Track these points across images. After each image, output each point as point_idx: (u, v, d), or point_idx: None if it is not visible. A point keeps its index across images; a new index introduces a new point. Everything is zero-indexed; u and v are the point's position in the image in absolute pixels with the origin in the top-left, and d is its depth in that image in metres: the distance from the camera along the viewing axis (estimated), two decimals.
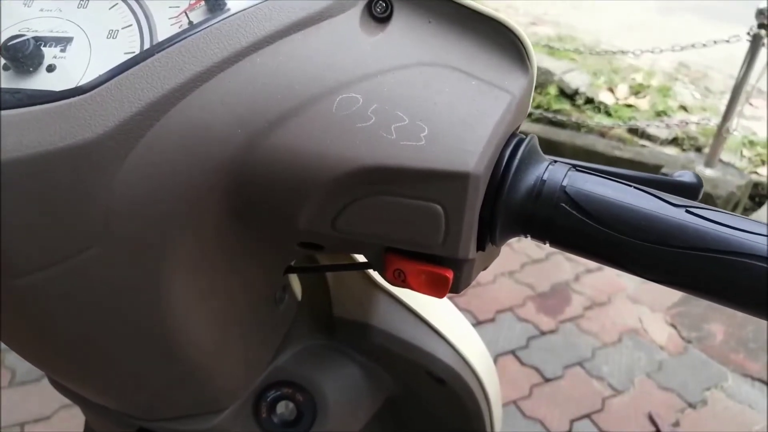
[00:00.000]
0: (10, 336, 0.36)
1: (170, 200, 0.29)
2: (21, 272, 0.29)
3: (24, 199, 0.27)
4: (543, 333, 1.95)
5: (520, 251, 2.32)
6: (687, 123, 2.97)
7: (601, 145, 2.97)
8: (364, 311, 0.47)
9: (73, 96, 0.27)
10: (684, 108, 3.28)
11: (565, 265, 2.27)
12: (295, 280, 0.48)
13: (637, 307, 2.08)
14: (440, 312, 0.49)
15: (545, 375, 1.79)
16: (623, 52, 3.04)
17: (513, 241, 2.34)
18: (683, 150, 2.98)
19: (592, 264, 2.28)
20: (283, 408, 0.47)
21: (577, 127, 3.10)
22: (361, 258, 0.47)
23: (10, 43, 0.28)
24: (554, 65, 3.54)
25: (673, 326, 2.01)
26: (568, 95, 3.38)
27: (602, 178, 0.30)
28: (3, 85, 0.28)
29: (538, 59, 3.24)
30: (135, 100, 0.27)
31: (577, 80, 3.45)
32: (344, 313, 0.48)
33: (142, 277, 0.31)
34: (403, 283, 0.32)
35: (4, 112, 0.27)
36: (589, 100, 3.33)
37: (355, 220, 0.30)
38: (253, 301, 0.41)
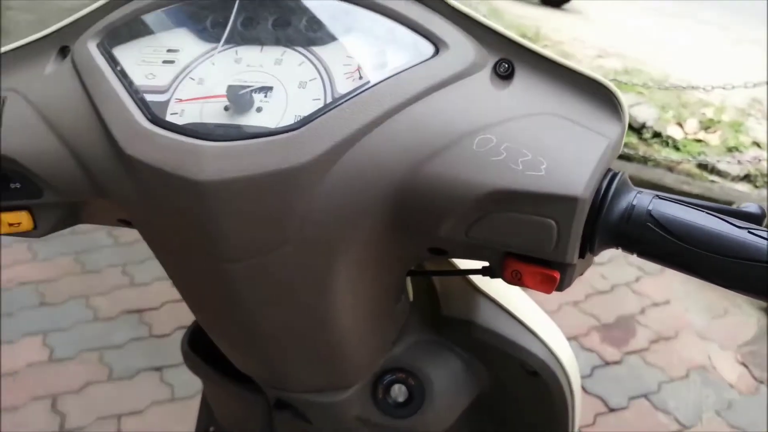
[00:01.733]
0: (207, 305, 0.46)
1: (350, 212, 0.39)
2: (233, 259, 0.40)
3: (242, 206, 0.38)
4: (607, 363, 1.97)
5: (585, 282, 2.34)
6: (760, 160, 2.93)
7: (669, 179, 2.97)
8: (467, 311, 0.56)
9: (283, 132, 0.38)
10: (757, 144, 3.24)
11: (630, 297, 2.28)
12: (408, 284, 0.58)
13: (706, 344, 2.07)
14: (531, 313, 0.58)
15: (610, 405, 1.81)
16: (693, 88, 3.04)
17: None
18: (756, 187, 2.93)
19: (658, 298, 2.29)
20: (397, 391, 0.56)
21: (644, 160, 3.10)
22: (464, 264, 0.56)
23: (240, 92, 0.39)
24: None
25: (744, 365, 1.99)
26: (635, 129, 3.39)
27: (680, 204, 0.38)
28: (225, 122, 0.39)
29: None
30: (330, 138, 0.37)
31: (644, 114, 3.46)
32: (450, 312, 0.57)
33: (317, 269, 0.41)
34: (519, 282, 0.41)
35: (228, 143, 0.38)
36: (657, 134, 3.33)
37: (485, 230, 0.39)
38: (381, 297, 0.50)
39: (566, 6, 6.26)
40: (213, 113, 0.39)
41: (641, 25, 5.56)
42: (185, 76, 0.40)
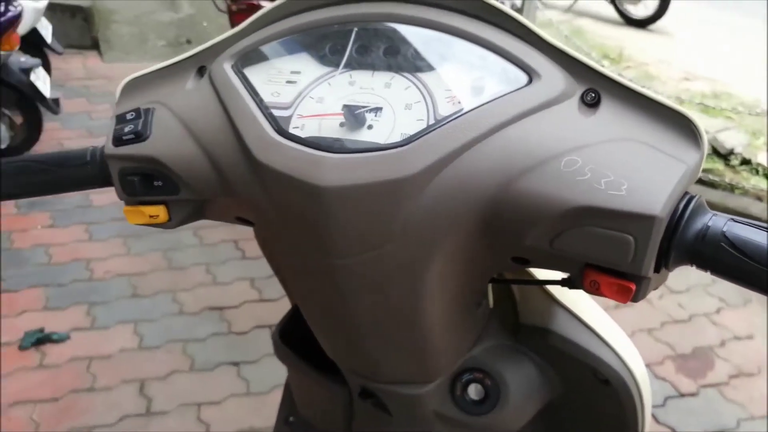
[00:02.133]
0: (313, 296, 0.52)
1: (446, 220, 0.44)
2: (342, 256, 0.46)
3: (354, 209, 0.43)
4: (682, 395, 1.91)
5: (661, 309, 2.29)
6: None
7: (756, 208, 2.84)
8: (544, 319, 0.60)
9: (392, 148, 0.43)
10: None
11: (709, 329, 2.21)
12: (490, 291, 0.62)
13: None
14: (605, 325, 0.61)
15: None
16: None
17: (654, 297, 2.32)
18: None
19: (740, 331, 2.20)
20: (474, 389, 0.60)
21: (731, 188, 2.99)
22: (542, 275, 0.60)
23: (355, 111, 0.45)
24: (708, 123, 3.44)
25: None
26: (722, 155, 3.26)
27: (754, 227, 0.41)
28: (340, 136, 0.45)
29: None
30: (433, 155, 0.42)
31: (732, 140, 3.33)
32: (528, 320, 0.61)
33: (413, 268, 0.46)
34: (596, 291, 0.45)
35: (345, 155, 0.43)
36: (746, 161, 3.20)
37: (568, 241, 0.43)
38: (465, 300, 0.55)
39: (652, 26, 6.10)
40: (330, 128, 0.45)
41: (731, 47, 5.35)
42: (306, 95, 0.47)
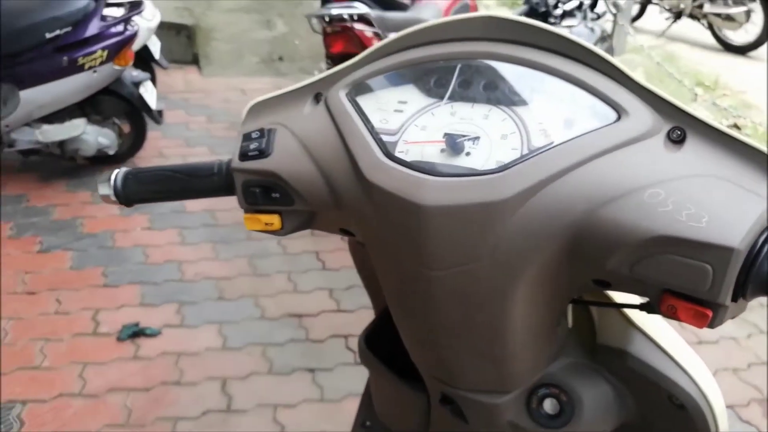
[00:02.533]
0: (407, 304, 0.57)
1: (534, 241, 0.48)
2: (438, 268, 0.50)
3: (452, 227, 0.48)
4: None
5: (748, 349, 2.18)
6: None
7: None
8: (621, 341, 0.62)
9: (488, 174, 0.48)
10: None
11: None
12: (569, 311, 0.64)
13: None
14: (681, 350, 0.62)
15: None
16: None
17: (742, 336, 2.21)
18: None
19: None
20: (549, 404, 0.63)
21: None
22: (619, 298, 0.62)
23: (457, 140, 0.50)
24: None
25: None
26: None
27: None
28: (441, 161, 0.50)
29: None
30: (525, 182, 0.46)
31: None
32: (605, 341, 0.63)
33: (500, 284, 0.50)
34: (673, 316, 0.47)
35: (445, 178, 0.48)
36: None
37: (648, 267, 0.46)
38: (546, 318, 0.58)
39: (753, 53, 5.81)
40: (432, 154, 0.50)
41: None
42: (411, 123, 0.52)
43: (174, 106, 4.15)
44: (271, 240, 2.71)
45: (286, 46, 5.36)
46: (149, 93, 3.14)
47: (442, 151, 0.50)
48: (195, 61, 5.12)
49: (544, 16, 2.74)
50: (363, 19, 2.76)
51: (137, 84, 3.06)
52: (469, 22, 0.53)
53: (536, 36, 0.51)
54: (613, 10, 3.07)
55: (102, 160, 3.23)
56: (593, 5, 2.97)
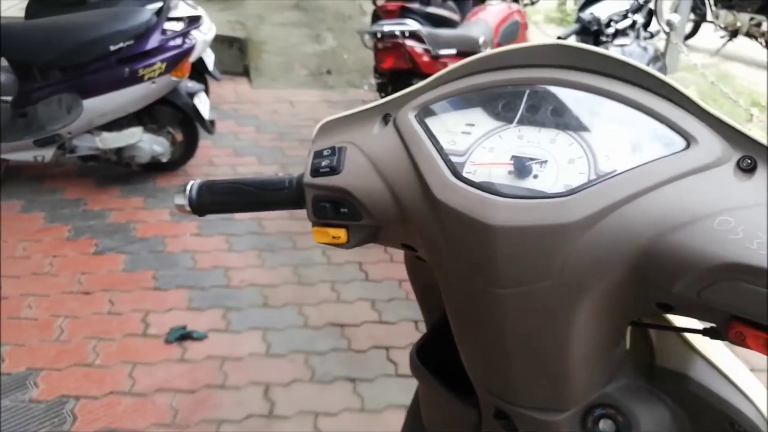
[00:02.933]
0: (469, 320, 0.58)
1: (600, 263, 0.48)
2: (504, 286, 0.51)
3: (520, 247, 0.49)
4: None
5: None
6: None
7: None
8: (681, 365, 0.61)
9: (557, 197, 0.48)
10: None
11: None
12: (627, 333, 0.64)
13: None
14: (744, 377, 0.61)
15: None
16: None
17: None
18: None
19: None
20: (604, 425, 0.62)
21: None
22: (679, 322, 0.62)
23: (526, 163, 0.51)
24: None
25: None
26: None
27: None
28: (508, 183, 0.51)
29: None
30: (593, 206, 0.47)
31: None
32: (664, 364, 0.62)
33: (564, 303, 0.51)
34: (742, 343, 0.47)
35: (514, 200, 0.49)
36: None
37: (716, 293, 0.45)
38: (606, 337, 0.58)
39: None
40: (499, 175, 0.52)
41: None
42: (479, 145, 0.54)
43: (224, 117, 4.27)
44: (315, 249, 2.75)
45: (335, 60, 5.46)
46: (203, 103, 3.24)
47: (510, 172, 0.51)
48: (246, 72, 5.26)
49: (596, 35, 2.72)
50: (414, 35, 2.79)
51: (192, 95, 3.16)
52: (536, 50, 0.54)
53: (604, 64, 0.52)
54: (666, 29, 3.02)
55: (155, 167, 3.34)
56: (646, 24, 2.94)
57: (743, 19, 5.77)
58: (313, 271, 2.63)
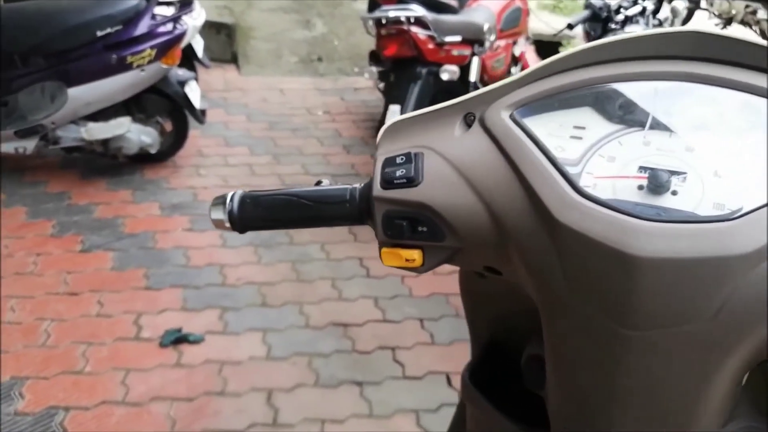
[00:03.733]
0: (577, 356, 0.48)
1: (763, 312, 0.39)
2: (636, 327, 0.41)
3: (667, 283, 0.39)
4: None
5: None
6: None
7: None
8: None
9: (717, 222, 0.39)
10: None
11: None
12: None
13: None
14: None
15: None
16: None
17: None
18: None
19: None
20: None
21: None
22: None
23: (666, 178, 0.41)
24: None
25: None
26: None
27: None
28: (641, 201, 0.41)
29: None
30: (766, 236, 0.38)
31: None
32: None
33: (715, 348, 0.41)
34: None
35: (662, 224, 0.39)
36: None
37: None
38: (736, 379, 0.49)
39: None
40: (626, 191, 0.42)
41: None
42: (594, 153, 0.44)
43: (213, 105, 4.12)
44: (313, 245, 2.64)
45: (325, 47, 5.31)
46: (194, 92, 3.10)
47: (641, 188, 0.42)
48: (234, 59, 5.10)
49: (605, 22, 2.63)
50: (419, 21, 2.68)
51: (182, 83, 3.02)
52: (668, 39, 0.44)
53: (758, 56, 0.42)
54: (671, 17, 2.94)
55: (143, 159, 3.20)
56: (656, 11, 2.85)
57: (738, 6, 5.71)
58: (312, 267, 2.52)
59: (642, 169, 0.42)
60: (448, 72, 2.70)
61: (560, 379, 0.52)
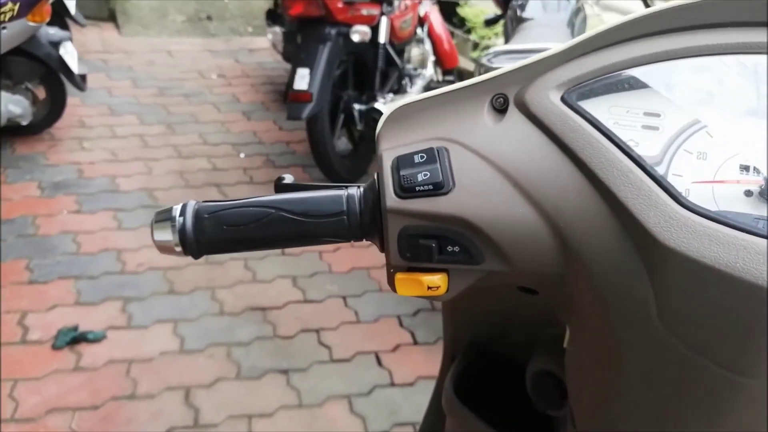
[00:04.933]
0: (672, 398, 0.39)
1: None
2: (754, 375, 0.33)
3: None
4: None
5: None
6: None
7: None
8: None
9: None
10: None
11: None
12: None
13: None
14: None
15: None
16: None
17: None
18: None
19: None
20: None
21: None
22: None
23: None
24: None
25: None
26: None
27: None
28: (753, 212, 0.32)
29: None
30: None
31: None
32: None
33: None
34: None
35: None
36: None
37: None
38: None
39: None
40: (730, 199, 0.32)
41: None
42: (678, 148, 0.34)
43: (93, 69, 3.71)
44: None
45: (215, 4, 4.93)
46: (70, 55, 2.73)
47: (748, 194, 0.32)
48: (112, 17, 4.62)
49: None
50: None
51: (56, 44, 2.65)
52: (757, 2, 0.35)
53: None
54: None
55: (13, 131, 2.81)
56: None
57: None
58: None
59: (744, 168, 0.33)
60: (359, 33, 2.55)
61: (625, 419, 0.44)
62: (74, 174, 2.72)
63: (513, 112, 0.38)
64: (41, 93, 2.82)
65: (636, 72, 0.36)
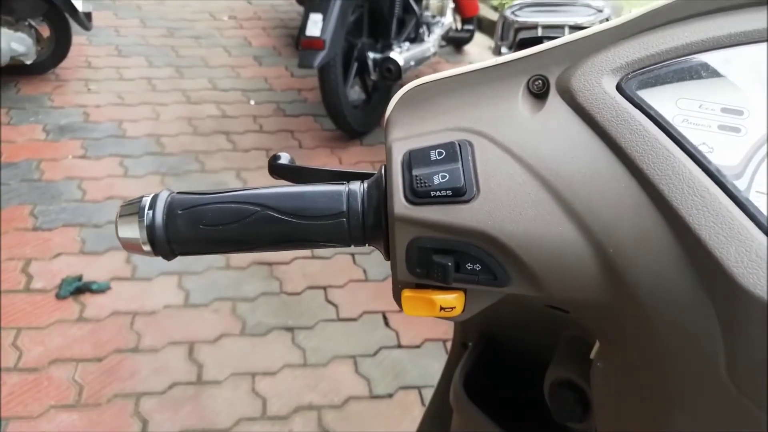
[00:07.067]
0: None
1: None
2: None
3: None
4: None
5: None
6: None
7: None
8: None
9: None
10: None
11: None
12: None
13: None
14: None
15: None
16: None
17: None
18: None
19: None
20: None
21: None
22: None
23: None
24: None
25: None
26: None
27: None
28: None
29: None
30: None
31: None
32: None
33: None
34: None
35: None
36: None
37: None
38: None
39: None
40: None
41: None
42: (764, 157, 0.27)
43: (99, 6, 3.58)
44: (227, 172, 2.38)
45: None
46: None
47: None
48: None
49: None
50: None
51: None
52: None
53: None
54: None
55: (17, 71, 2.73)
56: None
57: None
58: None
59: None
60: None
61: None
62: (80, 117, 2.65)
63: (554, 99, 0.31)
64: (45, 31, 2.72)
65: (714, 56, 0.29)
